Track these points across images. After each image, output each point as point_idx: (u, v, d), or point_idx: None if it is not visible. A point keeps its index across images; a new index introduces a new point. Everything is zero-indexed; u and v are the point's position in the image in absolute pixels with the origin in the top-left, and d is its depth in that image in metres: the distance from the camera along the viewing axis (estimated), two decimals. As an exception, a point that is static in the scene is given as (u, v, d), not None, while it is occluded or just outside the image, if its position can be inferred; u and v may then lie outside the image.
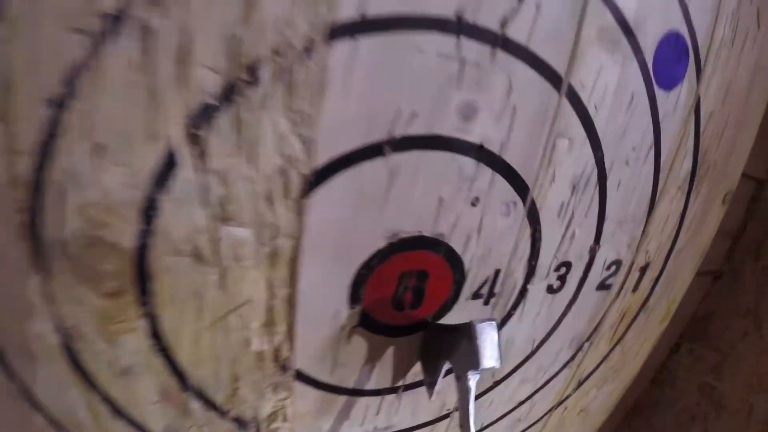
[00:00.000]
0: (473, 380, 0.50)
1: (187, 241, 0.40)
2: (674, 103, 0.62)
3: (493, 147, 0.47)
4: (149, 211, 0.38)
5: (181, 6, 0.33)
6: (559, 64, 0.48)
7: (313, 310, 0.49)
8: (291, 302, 0.47)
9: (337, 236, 0.46)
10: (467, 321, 0.50)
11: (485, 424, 0.74)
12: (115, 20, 0.32)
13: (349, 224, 0.45)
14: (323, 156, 0.42)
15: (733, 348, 0.97)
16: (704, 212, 0.79)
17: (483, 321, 0.49)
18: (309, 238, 0.44)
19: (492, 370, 0.49)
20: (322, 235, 0.45)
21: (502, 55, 0.44)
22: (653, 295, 0.79)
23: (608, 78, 0.53)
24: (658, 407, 1.06)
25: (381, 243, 0.48)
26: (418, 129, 0.43)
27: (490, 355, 0.48)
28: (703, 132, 0.69)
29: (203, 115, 0.37)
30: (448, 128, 0.44)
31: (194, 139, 0.37)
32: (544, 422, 0.84)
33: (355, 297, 0.50)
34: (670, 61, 0.59)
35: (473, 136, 0.46)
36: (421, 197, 0.47)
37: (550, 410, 0.82)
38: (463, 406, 0.50)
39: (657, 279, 0.77)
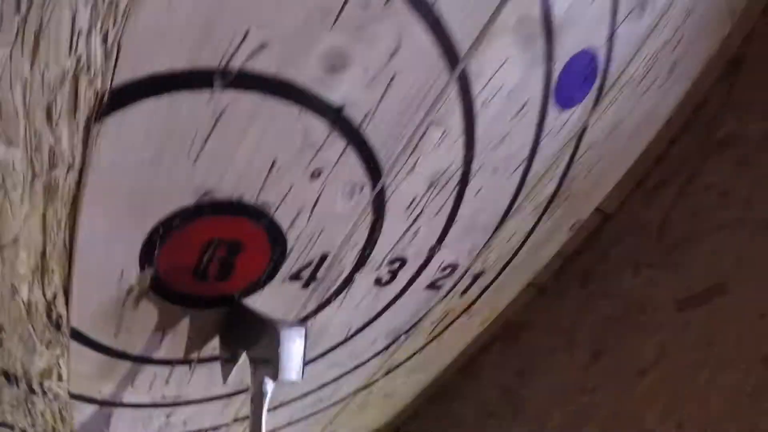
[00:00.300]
0: (269, 387, 0.42)
1: None
2: (562, 124, 0.58)
3: (355, 115, 0.38)
4: None
5: None
6: (462, 40, 0.40)
7: (96, 265, 0.38)
8: (68, 250, 0.36)
9: (131, 180, 0.34)
10: (275, 318, 0.42)
11: (284, 401, 0.68)
12: None
13: (148, 167, 0.34)
14: (129, 71, 0.29)
15: (540, 361, 1.03)
16: (549, 236, 0.79)
17: (291, 326, 0.41)
18: (96, 175, 0.33)
19: (290, 382, 0.42)
20: (113, 175, 0.33)
21: (400, 2, 0.34)
22: (479, 301, 0.79)
23: (508, 75, 0.46)
24: (460, 398, 1.11)
25: (188, 200, 0.37)
26: (264, 65, 0.32)
27: (290, 368, 0.41)
28: (577, 160, 0.67)
29: None
30: (304, 75, 0.34)
31: None
32: (346, 402, 0.81)
33: (148, 258, 0.39)
34: (576, 80, 0.55)
35: (334, 95, 0.36)
36: (250, 154, 0.36)
37: (355, 392, 0.80)
38: (255, 410, 0.43)
39: (487, 287, 0.77)
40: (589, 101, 0.59)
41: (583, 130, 0.63)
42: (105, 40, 0.28)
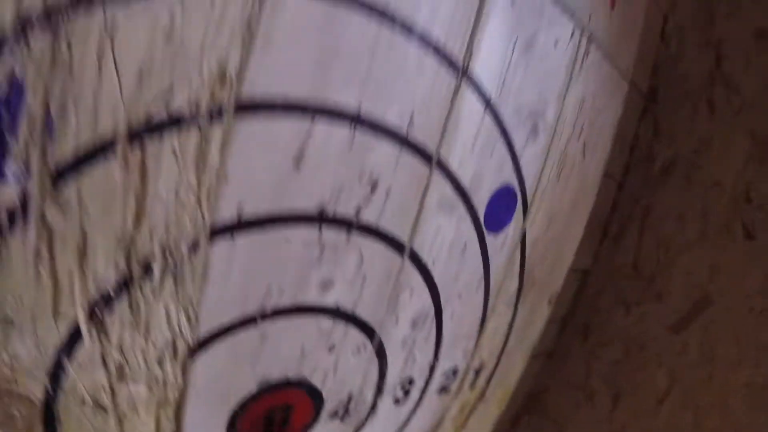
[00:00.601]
0: None
1: (90, 394, 0.45)
2: (502, 241, 0.77)
3: (347, 307, 0.58)
4: (56, 372, 0.43)
5: (80, 211, 0.39)
6: (402, 234, 0.60)
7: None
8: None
9: (216, 386, 0.53)
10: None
11: None
12: (17, 216, 0.37)
13: (226, 377, 0.53)
14: (206, 327, 0.49)
15: (568, 418, 1.14)
16: (531, 316, 0.96)
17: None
18: (192, 388, 0.51)
19: None
20: (203, 386, 0.52)
21: (355, 237, 0.55)
22: (489, 389, 0.94)
23: (444, 236, 0.66)
24: (497, 474, 1.21)
25: (253, 388, 0.55)
26: (284, 302, 0.52)
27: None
28: (529, 256, 0.85)
29: (103, 301, 0.42)
30: (309, 299, 0.54)
31: (96, 320, 0.43)
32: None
33: (231, 430, 0.57)
34: (500, 209, 0.74)
35: (330, 302, 0.56)
36: (287, 351, 0.55)
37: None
38: None
39: (491, 375, 0.92)
40: (518, 215, 0.78)
41: (524, 235, 0.82)
42: (188, 317, 0.48)
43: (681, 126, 1.02)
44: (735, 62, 0.98)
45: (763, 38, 0.96)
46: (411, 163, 0.56)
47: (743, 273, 0.93)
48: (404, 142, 0.54)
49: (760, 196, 0.93)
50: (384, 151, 0.53)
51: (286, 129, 0.46)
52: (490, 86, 0.61)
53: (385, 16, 0.48)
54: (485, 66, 0.60)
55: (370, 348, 0.63)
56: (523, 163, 0.73)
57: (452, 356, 0.78)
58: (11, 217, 0.37)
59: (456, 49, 0.56)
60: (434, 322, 0.70)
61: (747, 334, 0.90)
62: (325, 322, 0.57)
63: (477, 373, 0.87)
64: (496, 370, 0.92)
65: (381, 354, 0.65)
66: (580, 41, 0.75)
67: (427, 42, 0.53)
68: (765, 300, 0.89)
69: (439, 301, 0.69)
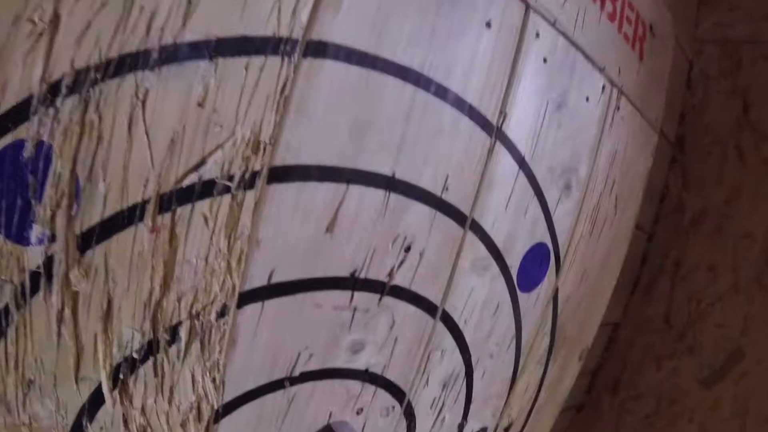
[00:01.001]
0: None
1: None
2: (534, 300, 0.75)
3: (377, 370, 0.56)
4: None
5: (106, 275, 0.39)
6: (435, 296, 0.59)
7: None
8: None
9: None
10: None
11: None
12: (41, 279, 0.37)
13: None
14: (232, 391, 0.48)
15: None
16: (562, 372, 0.93)
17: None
18: None
19: None
20: None
21: (387, 299, 0.54)
22: (518, 446, 0.90)
23: (477, 297, 0.64)
24: None
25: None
26: (313, 366, 0.51)
27: None
28: (560, 314, 0.83)
29: (128, 365, 0.42)
30: (339, 362, 0.53)
31: (119, 383, 0.42)
32: None
33: None
34: (534, 268, 0.73)
35: (359, 364, 0.55)
36: (314, 414, 0.54)
37: None
38: None
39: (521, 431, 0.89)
40: (551, 272, 0.76)
41: (556, 292, 0.80)
42: (214, 381, 0.47)
43: (710, 175, 1.01)
44: (762, 108, 0.97)
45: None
46: (445, 224, 0.56)
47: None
48: (438, 204, 0.54)
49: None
50: (418, 213, 0.53)
51: (319, 194, 0.46)
52: (523, 146, 0.61)
53: (420, 79, 0.49)
54: (518, 125, 0.59)
55: (398, 410, 0.62)
56: (556, 220, 0.72)
57: (482, 416, 0.76)
58: (35, 280, 0.37)
59: (490, 110, 0.56)
60: (465, 382, 0.68)
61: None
62: (355, 385, 0.55)
63: (506, 430, 0.84)
64: (525, 427, 0.89)
65: (409, 415, 0.63)
66: (611, 95, 0.75)
67: (461, 104, 0.53)
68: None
69: (470, 361, 0.67)
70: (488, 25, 0.52)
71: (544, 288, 0.76)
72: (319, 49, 0.42)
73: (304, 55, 0.41)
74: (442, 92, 0.51)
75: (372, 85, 0.46)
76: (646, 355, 1.08)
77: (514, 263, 0.68)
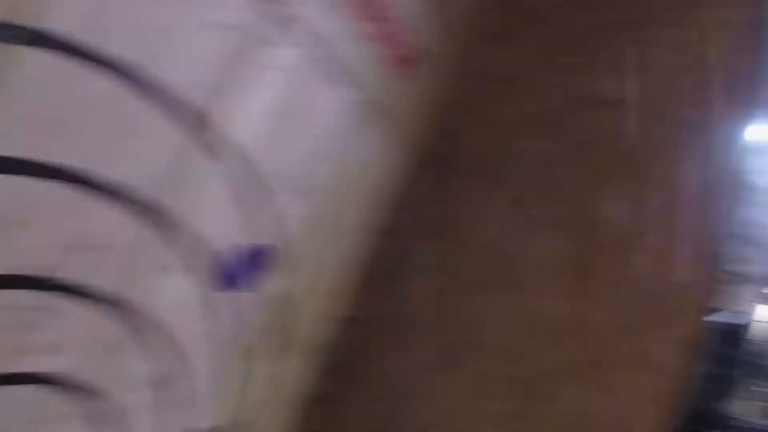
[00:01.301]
0: None
1: None
2: (253, 298, 0.73)
3: (68, 372, 0.52)
4: None
5: None
6: (129, 294, 0.56)
7: None
8: None
9: None
10: None
11: None
12: None
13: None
14: None
15: None
16: (293, 368, 0.94)
17: None
18: None
19: None
20: None
21: (72, 298, 0.50)
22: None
23: (178, 295, 0.63)
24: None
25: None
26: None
27: None
28: (285, 310, 0.83)
29: None
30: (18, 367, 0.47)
31: None
32: None
33: None
34: (248, 267, 0.72)
35: (44, 368, 0.49)
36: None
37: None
38: None
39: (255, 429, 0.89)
40: (271, 271, 0.76)
41: (279, 290, 0.77)
42: None
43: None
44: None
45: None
46: (139, 222, 0.54)
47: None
48: (132, 201, 0.52)
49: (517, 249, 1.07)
50: (108, 210, 0.50)
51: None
52: (239, 142, 0.61)
53: (125, 72, 0.46)
54: (236, 126, 0.60)
55: (98, 412, 0.58)
56: (277, 220, 0.74)
57: (209, 416, 0.75)
58: None
59: (202, 108, 0.55)
60: (182, 383, 0.67)
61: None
62: (41, 391, 0.50)
63: (241, 429, 0.85)
64: (259, 423, 0.91)
65: (113, 419, 0.60)
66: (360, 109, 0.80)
67: (162, 98, 0.51)
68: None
69: (185, 361, 0.66)
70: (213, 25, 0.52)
71: (265, 287, 0.77)
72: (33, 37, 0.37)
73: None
74: (147, 87, 0.49)
75: (67, 77, 0.42)
76: (386, 346, 1.14)
77: (220, 262, 0.69)
